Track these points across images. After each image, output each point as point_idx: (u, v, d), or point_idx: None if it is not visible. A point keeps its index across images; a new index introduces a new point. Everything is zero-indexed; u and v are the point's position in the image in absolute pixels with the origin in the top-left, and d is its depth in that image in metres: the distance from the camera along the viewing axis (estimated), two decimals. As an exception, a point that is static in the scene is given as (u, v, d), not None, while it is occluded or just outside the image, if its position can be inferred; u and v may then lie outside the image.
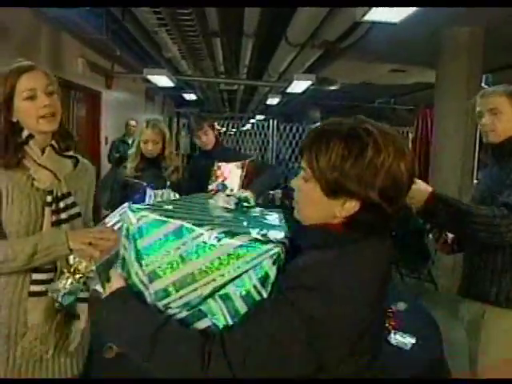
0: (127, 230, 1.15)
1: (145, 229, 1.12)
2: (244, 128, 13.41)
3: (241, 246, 1.03)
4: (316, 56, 5.82)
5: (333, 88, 7.50)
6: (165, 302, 1.10)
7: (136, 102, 9.46)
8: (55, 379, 1.62)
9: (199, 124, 3.42)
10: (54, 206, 1.54)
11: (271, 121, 11.04)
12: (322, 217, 1.06)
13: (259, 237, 1.06)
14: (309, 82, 6.09)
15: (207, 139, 3.42)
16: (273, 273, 1.01)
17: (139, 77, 7.12)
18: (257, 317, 0.99)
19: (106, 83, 7.24)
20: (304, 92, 7.02)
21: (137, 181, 2.95)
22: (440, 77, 5.24)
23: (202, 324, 1.06)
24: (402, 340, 1.82)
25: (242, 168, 3.00)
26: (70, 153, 1.65)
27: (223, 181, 2.98)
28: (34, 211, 1.52)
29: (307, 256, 1.04)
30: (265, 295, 1.01)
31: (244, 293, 1.03)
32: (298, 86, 6.40)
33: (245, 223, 1.22)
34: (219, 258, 1.04)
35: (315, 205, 1.06)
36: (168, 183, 3.00)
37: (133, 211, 1.15)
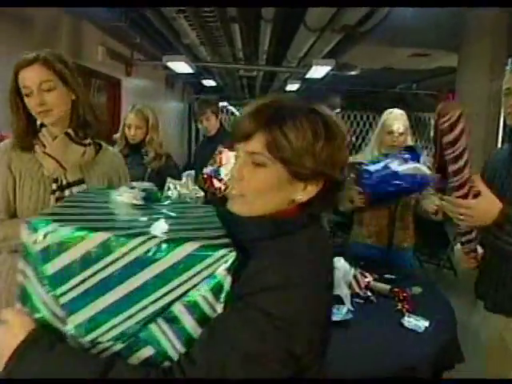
0: (27, 251, 0.90)
1: (55, 248, 0.88)
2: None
3: (189, 255, 0.87)
4: (335, 41, 5.75)
5: (353, 73, 7.41)
6: (92, 336, 0.90)
7: (156, 90, 9.49)
8: (55, 379, 1.64)
9: (201, 109, 3.42)
10: (57, 194, 1.58)
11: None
12: (278, 204, 0.96)
13: (209, 242, 0.90)
14: (328, 68, 6.04)
15: (209, 125, 3.42)
16: (227, 282, 0.88)
17: (159, 64, 7.13)
18: (219, 334, 0.87)
19: (125, 71, 7.27)
20: (324, 78, 6.96)
21: None
22: (462, 60, 5.15)
23: (141, 355, 0.90)
24: (416, 323, 1.83)
25: None
26: (87, 141, 1.67)
27: (219, 167, 2.96)
28: (42, 198, 1.57)
29: (260, 252, 0.93)
30: (219, 309, 0.89)
31: (194, 310, 0.88)
32: (318, 71, 6.35)
33: (178, 225, 1.02)
34: (162, 273, 0.87)
35: (274, 192, 0.95)
36: (148, 170, 2.93)
37: (34, 226, 0.90)
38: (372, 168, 2.52)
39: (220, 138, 3.35)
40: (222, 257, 0.88)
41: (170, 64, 6.34)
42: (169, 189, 1.41)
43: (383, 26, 4.96)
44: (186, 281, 0.87)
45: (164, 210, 1.10)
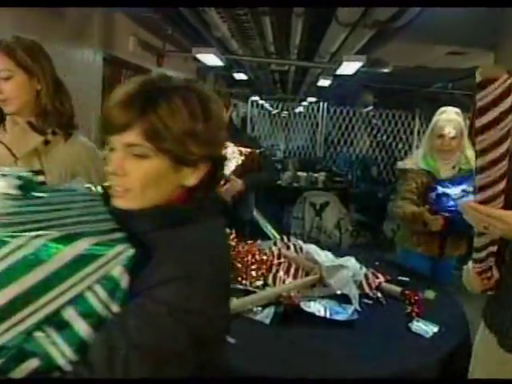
0: None
1: None
2: (296, 110, 13.30)
3: (80, 254, 0.78)
4: (368, 37, 5.64)
5: (385, 71, 7.27)
6: None
7: (187, 81, 9.52)
8: (56, 379, 1.63)
9: None
10: None
11: (321, 103, 10.87)
12: (168, 192, 0.93)
13: (101, 238, 0.81)
14: (359, 64, 5.93)
15: None
16: (124, 281, 0.81)
17: (189, 56, 7.14)
18: (118, 332, 0.80)
19: (157, 62, 7.31)
20: (355, 74, 6.85)
21: None
22: (499, 59, 4.97)
23: (26, 367, 0.79)
24: (424, 328, 1.78)
25: (243, 155, 2.88)
26: (50, 130, 1.64)
27: None
28: None
29: (155, 245, 0.88)
30: (115, 310, 0.82)
31: (88, 314, 0.80)
32: (348, 67, 6.24)
33: (67, 218, 0.89)
34: (50, 275, 0.77)
35: (162, 181, 0.91)
36: None
37: None
38: (451, 191, 2.38)
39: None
40: (118, 254, 0.81)
41: (200, 56, 6.33)
42: None
43: (417, 22, 4.83)
44: (77, 282, 0.79)
45: (43, 200, 0.95)
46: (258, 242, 2.64)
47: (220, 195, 2.36)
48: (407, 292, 2.05)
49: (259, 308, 1.80)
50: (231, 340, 1.59)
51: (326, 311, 1.79)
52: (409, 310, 1.93)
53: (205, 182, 0.94)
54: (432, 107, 11.98)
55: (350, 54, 5.97)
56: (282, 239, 2.61)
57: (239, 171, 2.87)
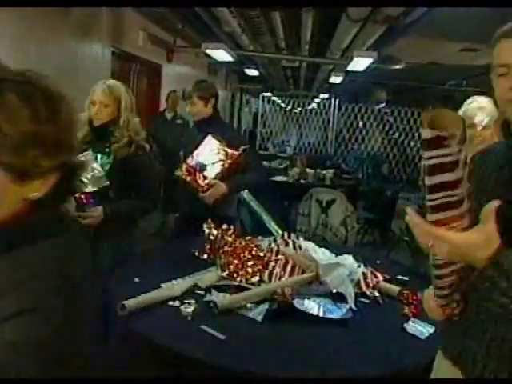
0: None
1: None
2: (309, 107, 13.25)
3: None
4: (379, 32, 5.57)
5: (397, 67, 7.20)
6: None
7: (197, 77, 9.45)
8: (56, 379, 1.63)
9: (190, 91, 3.11)
10: None
11: (333, 100, 10.81)
12: (8, 208, 0.77)
13: None
14: (370, 60, 5.86)
15: (192, 110, 3.06)
16: None
17: (199, 51, 7.12)
18: None
19: (167, 57, 7.31)
20: (366, 70, 6.78)
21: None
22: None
23: None
24: (419, 328, 1.73)
25: (229, 158, 2.76)
26: None
27: (208, 162, 2.78)
28: None
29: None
30: None
31: None
32: (359, 63, 6.18)
33: None
34: None
35: (0, 197, 0.75)
36: (111, 159, 2.39)
37: None
38: None
39: (209, 126, 3.00)
40: None
41: (209, 51, 6.31)
42: None
43: (429, 18, 4.76)
44: None
45: None
46: (259, 238, 2.62)
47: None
48: (405, 292, 1.99)
49: (253, 304, 1.78)
50: (221, 336, 1.57)
51: (319, 309, 1.75)
52: (406, 311, 1.88)
53: (53, 194, 0.79)
54: (445, 105, 11.85)
55: (361, 50, 5.91)
56: (282, 236, 2.58)
57: (224, 174, 2.77)
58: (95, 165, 2.31)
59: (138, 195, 2.43)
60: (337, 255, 2.25)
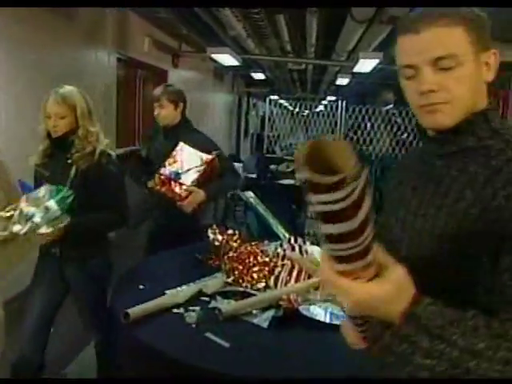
0: None
1: None
2: (317, 109, 13.22)
3: None
4: (385, 33, 5.54)
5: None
6: None
7: (204, 82, 9.52)
8: (57, 379, 1.64)
9: (157, 95, 2.93)
10: None
11: (340, 102, 10.78)
12: None
13: None
14: (376, 61, 5.83)
15: (159, 113, 2.90)
16: None
17: (205, 56, 7.13)
18: None
19: (172, 62, 7.32)
20: (373, 71, 6.75)
21: (41, 171, 2.30)
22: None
23: None
24: None
25: (205, 163, 2.67)
26: None
27: (181, 170, 2.67)
28: None
29: None
30: None
31: None
32: (365, 65, 6.15)
33: None
34: None
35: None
36: (73, 171, 2.21)
37: None
38: None
39: (178, 132, 2.90)
40: None
41: (215, 56, 6.31)
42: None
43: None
44: None
45: None
46: (265, 242, 2.58)
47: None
48: None
49: (258, 311, 1.75)
50: (225, 344, 1.54)
51: (326, 315, 1.70)
52: None
53: None
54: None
55: (367, 52, 5.88)
56: (289, 240, 2.54)
57: (200, 180, 2.67)
58: (51, 202, 2.00)
59: (105, 208, 2.22)
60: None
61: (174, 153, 2.69)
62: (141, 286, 1.99)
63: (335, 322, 1.69)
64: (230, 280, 1.99)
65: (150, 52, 6.28)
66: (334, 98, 12.58)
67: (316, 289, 1.90)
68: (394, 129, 11.54)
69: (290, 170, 7.65)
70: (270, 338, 1.66)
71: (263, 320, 1.70)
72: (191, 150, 2.69)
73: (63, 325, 2.50)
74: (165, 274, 2.17)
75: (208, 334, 1.60)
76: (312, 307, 1.75)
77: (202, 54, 7.10)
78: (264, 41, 7.09)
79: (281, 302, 1.75)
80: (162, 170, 2.66)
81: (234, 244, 2.19)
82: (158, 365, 1.53)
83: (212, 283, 1.96)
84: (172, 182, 2.64)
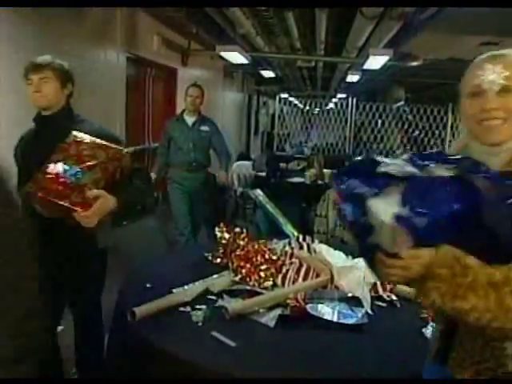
0: None
1: None
2: (327, 107, 13.16)
3: None
4: (395, 29, 5.48)
5: (414, 64, 7.08)
6: None
7: (213, 80, 9.51)
8: (57, 379, 1.62)
9: (37, 63, 2.15)
10: None
11: (350, 99, 10.71)
12: None
13: None
14: (386, 58, 5.77)
15: (38, 90, 2.09)
16: None
17: (214, 54, 7.11)
18: None
19: (181, 60, 7.31)
20: (383, 68, 6.69)
21: None
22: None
23: None
24: None
25: (109, 157, 1.95)
26: None
27: (82, 167, 1.91)
28: None
29: None
30: None
31: None
32: (375, 61, 6.09)
33: None
34: None
35: None
36: None
37: None
38: None
39: (61, 122, 2.14)
40: None
41: (224, 54, 6.28)
42: None
43: (446, 12, 4.65)
44: None
45: None
46: (274, 240, 2.57)
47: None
48: None
49: (265, 310, 1.72)
50: (231, 343, 1.53)
51: (334, 314, 1.68)
52: (425, 314, 1.78)
53: None
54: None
55: (376, 48, 5.82)
56: (297, 239, 2.53)
57: (108, 180, 1.97)
58: None
59: None
60: (354, 257, 2.19)
61: (66, 145, 1.96)
62: (148, 285, 1.98)
63: (343, 321, 1.67)
64: (237, 278, 1.97)
65: (159, 50, 6.28)
66: (344, 96, 12.50)
67: (324, 287, 1.89)
68: (406, 126, 11.45)
69: (299, 167, 7.62)
70: (277, 337, 1.64)
71: (270, 319, 1.68)
72: (90, 139, 1.98)
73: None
74: (172, 273, 2.16)
75: (214, 333, 1.58)
76: (320, 306, 1.73)
77: (211, 52, 7.08)
78: (273, 38, 7.06)
79: (288, 301, 1.73)
80: (50, 168, 1.89)
81: (242, 242, 2.17)
82: (162, 364, 1.51)
83: (219, 282, 1.95)
84: (67, 185, 1.89)
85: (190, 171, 4.69)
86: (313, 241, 2.50)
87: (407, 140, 11.55)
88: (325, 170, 6.52)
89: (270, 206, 3.57)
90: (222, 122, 10.61)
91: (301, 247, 2.31)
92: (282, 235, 2.96)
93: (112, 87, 5.16)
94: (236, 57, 6.45)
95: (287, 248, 2.32)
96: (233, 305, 1.74)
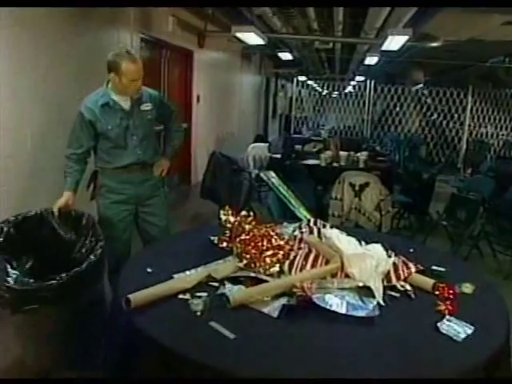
0: None
1: None
2: (345, 90, 12.99)
3: None
4: (414, 9, 5.33)
5: (434, 45, 6.89)
6: None
7: (230, 62, 9.41)
8: (56, 379, 1.59)
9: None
10: None
11: (368, 82, 10.54)
12: None
13: None
14: (405, 38, 5.61)
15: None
16: None
17: (231, 36, 7.01)
18: None
19: (198, 42, 7.24)
20: (402, 50, 6.52)
21: None
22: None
23: None
24: (456, 328, 1.54)
25: None
26: None
27: None
28: None
29: None
30: None
31: None
32: (394, 42, 5.93)
33: None
34: None
35: None
36: None
37: None
38: None
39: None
40: None
41: (240, 35, 6.17)
42: None
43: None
44: None
45: None
46: (284, 224, 2.51)
47: None
48: (441, 285, 1.79)
49: (269, 299, 1.62)
50: (230, 335, 1.46)
51: (342, 306, 1.56)
52: (441, 307, 1.67)
53: None
54: (486, 84, 11.35)
55: (395, 28, 5.67)
56: (308, 222, 2.46)
57: None
58: None
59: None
60: (367, 243, 2.11)
61: None
62: (149, 270, 1.90)
63: (352, 313, 1.56)
64: (241, 264, 1.89)
65: (174, 32, 6.20)
66: (362, 78, 12.31)
67: (333, 276, 1.81)
68: (424, 109, 11.25)
69: (315, 149, 7.53)
70: (280, 328, 1.54)
71: (273, 309, 1.59)
72: None
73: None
74: (175, 256, 2.09)
75: (212, 324, 1.50)
76: (327, 296, 1.61)
77: (227, 34, 6.98)
78: (290, 20, 6.94)
79: (294, 290, 1.65)
80: None
81: (247, 226, 2.11)
82: (156, 359, 1.43)
83: (222, 268, 1.88)
84: None
85: None
86: (324, 225, 2.43)
87: (426, 123, 11.35)
88: (341, 153, 6.43)
89: (282, 189, 3.53)
90: (240, 105, 10.54)
91: (311, 232, 2.23)
92: (295, 219, 2.90)
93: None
94: (252, 38, 6.35)
95: (297, 232, 2.25)
96: (234, 293, 1.66)
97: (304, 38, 8.07)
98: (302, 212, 3.02)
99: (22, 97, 3.43)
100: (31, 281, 2.12)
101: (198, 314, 1.58)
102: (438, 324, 1.59)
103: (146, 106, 2.89)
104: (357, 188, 4.72)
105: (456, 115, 10.88)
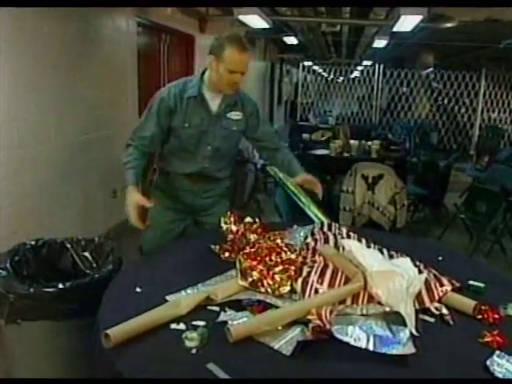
0: None
1: None
2: (352, 75, 12.65)
3: None
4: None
5: (449, 25, 6.53)
6: None
7: (233, 48, 9.07)
8: (56, 379, 1.58)
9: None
10: None
11: (377, 66, 10.20)
12: None
13: None
14: (419, 18, 5.27)
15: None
16: None
17: (234, 20, 6.68)
18: None
19: (199, 27, 6.92)
20: (414, 31, 6.17)
21: None
22: None
23: None
24: (509, 367, 1.21)
25: None
26: None
27: None
28: None
29: None
30: None
31: None
32: (406, 22, 5.59)
33: None
34: None
35: None
36: None
37: None
38: None
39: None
40: None
41: (243, 18, 5.85)
42: None
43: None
44: None
45: None
46: (294, 227, 2.22)
47: None
48: (484, 308, 1.49)
49: (279, 330, 1.33)
50: (225, 376, 1.17)
51: (369, 340, 1.26)
52: (487, 338, 1.36)
53: None
54: (499, 66, 10.96)
55: (408, 7, 5.32)
56: (321, 227, 2.16)
57: None
58: None
59: None
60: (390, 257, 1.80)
61: None
62: (138, 289, 1.61)
63: (382, 350, 1.24)
64: (246, 283, 1.58)
65: (173, 16, 5.89)
66: (370, 63, 11.94)
67: (354, 297, 1.49)
68: (435, 94, 10.90)
69: (324, 138, 7.23)
70: (293, 369, 1.24)
71: (286, 345, 1.29)
72: None
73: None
74: (170, 271, 1.80)
75: (210, 366, 1.20)
76: (350, 328, 1.30)
77: (230, 18, 6.65)
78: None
79: (309, 317, 1.36)
80: None
81: (252, 236, 1.82)
82: None
83: (223, 287, 1.57)
84: None
85: None
86: (340, 229, 2.14)
87: (436, 108, 11.00)
88: (351, 142, 6.11)
89: (290, 184, 3.23)
90: (245, 91, 10.19)
91: (326, 240, 1.92)
92: (305, 216, 2.61)
93: (122, 55, 4.82)
94: (256, 21, 6.02)
95: (309, 239, 1.94)
96: (236, 325, 1.35)
97: (310, 19, 7.73)
98: (313, 210, 2.70)
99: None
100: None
101: (193, 351, 1.29)
102: (488, 363, 1.26)
103: (236, 115, 2.46)
104: (370, 180, 4.41)
105: (468, 100, 10.52)
